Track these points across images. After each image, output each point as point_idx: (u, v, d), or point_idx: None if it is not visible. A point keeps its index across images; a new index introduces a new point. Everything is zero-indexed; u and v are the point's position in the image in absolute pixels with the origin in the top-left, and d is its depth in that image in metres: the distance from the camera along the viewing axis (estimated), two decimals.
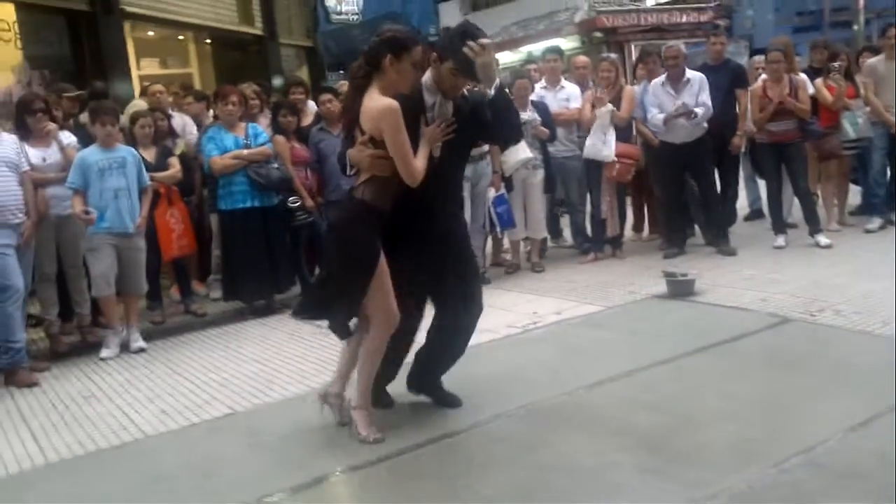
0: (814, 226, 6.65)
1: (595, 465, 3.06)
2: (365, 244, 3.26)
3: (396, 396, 3.87)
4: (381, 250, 3.29)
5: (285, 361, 4.86)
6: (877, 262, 5.75)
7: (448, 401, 3.78)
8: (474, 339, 3.82)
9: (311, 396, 3.87)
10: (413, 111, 3.28)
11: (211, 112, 6.94)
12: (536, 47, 18.09)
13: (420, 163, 3.22)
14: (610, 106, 6.62)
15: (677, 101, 6.55)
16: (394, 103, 3.13)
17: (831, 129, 6.99)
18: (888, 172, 7.07)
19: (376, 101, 3.17)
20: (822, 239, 6.51)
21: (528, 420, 3.58)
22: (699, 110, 6.49)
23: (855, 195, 7.68)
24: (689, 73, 6.70)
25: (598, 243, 7.06)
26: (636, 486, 2.86)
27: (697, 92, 6.58)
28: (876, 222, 6.93)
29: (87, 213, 5.10)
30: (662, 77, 6.76)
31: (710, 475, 2.85)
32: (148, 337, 5.62)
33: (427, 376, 3.83)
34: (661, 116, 6.58)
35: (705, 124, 6.63)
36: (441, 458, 3.32)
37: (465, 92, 3.55)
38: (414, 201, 3.32)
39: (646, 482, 2.87)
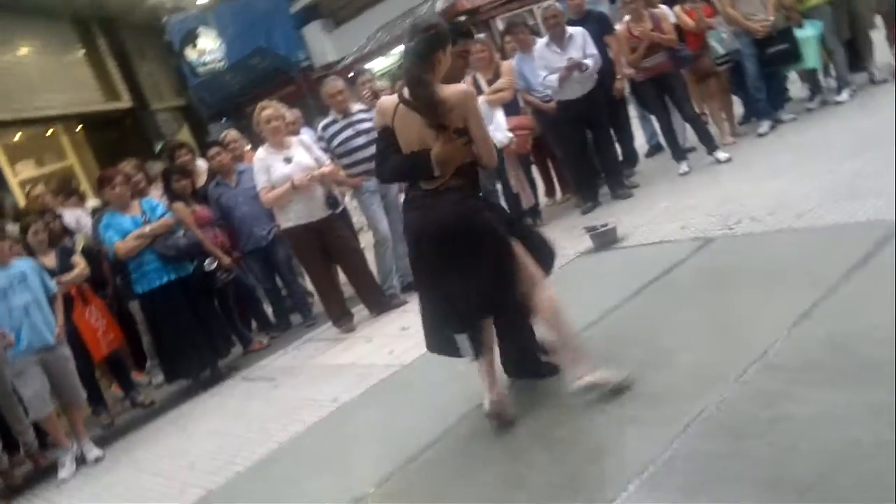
0: (710, 144, 6.87)
1: (572, 434, 3.10)
2: (495, 222, 3.27)
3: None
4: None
5: (247, 426, 4.75)
6: (776, 162, 5.99)
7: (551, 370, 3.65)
8: None
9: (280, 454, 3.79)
10: None
11: (89, 203, 6.78)
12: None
13: None
14: (481, 98, 6.71)
15: (565, 58, 6.65)
16: (470, 88, 3.18)
17: (701, 51, 7.25)
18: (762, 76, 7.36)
19: (453, 89, 3.15)
20: (721, 154, 6.73)
21: None
22: (589, 62, 6.62)
23: (740, 106, 7.96)
24: (570, 29, 6.80)
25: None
26: (618, 438, 2.91)
27: (582, 45, 6.69)
28: (765, 125, 7.19)
29: (3, 336, 4.88)
30: (545, 39, 6.86)
31: (681, 407, 2.91)
32: (102, 442, 5.44)
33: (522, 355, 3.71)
34: (555, 77, 6.67)
35: (595, 75, 6.76)
36: (428, 474, 3.29)
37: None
38: None
39: (625, 433, 2.92)
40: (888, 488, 2.09)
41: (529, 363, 3.72)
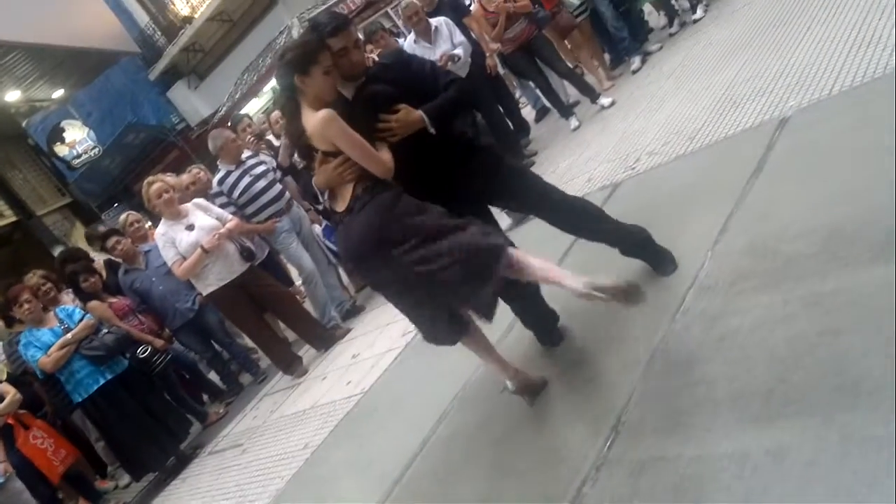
0: (591, 94, 7.03)
1: (543, 408, 3.13)
2: (418, 210, 2.93)
3: None
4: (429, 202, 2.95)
5: (227, 499, 4.65)
6: (656, 93, 6.16)
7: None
8: None
9: None
10: (348, 113, 3.02)
11: None
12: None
13: (385, 154, 3.00)
14: None
15: (437, 52, 6.67)
16: (327, 111, 2.93)
17: (557, 8, 7.39)
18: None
19: (312, 118, 2.98)
20: (604, 100, 6.88)
21: (464, 406, 3.61)
22: (459, 51, 6.64)
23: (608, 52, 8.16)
24: (434, 22, 6.79)
25: None
26: (583, 402, 2.94)
27: (449, 35, 6.71)
28: (636, 61, 7.40)
29: None
30: (412, 36, 6.85)
31: (632, 354, 2.97)
32: None
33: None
34: None
35: (469, 59, 6.80)
36: (418, 487, 3.29)
37: (375, 59, 3.36)
38: (432, 172, 3.10)
39: (588, 394, 2.96)
40: (840, 372, 2.18)
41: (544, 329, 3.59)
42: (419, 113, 3.10)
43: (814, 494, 1.94)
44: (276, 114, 6.81)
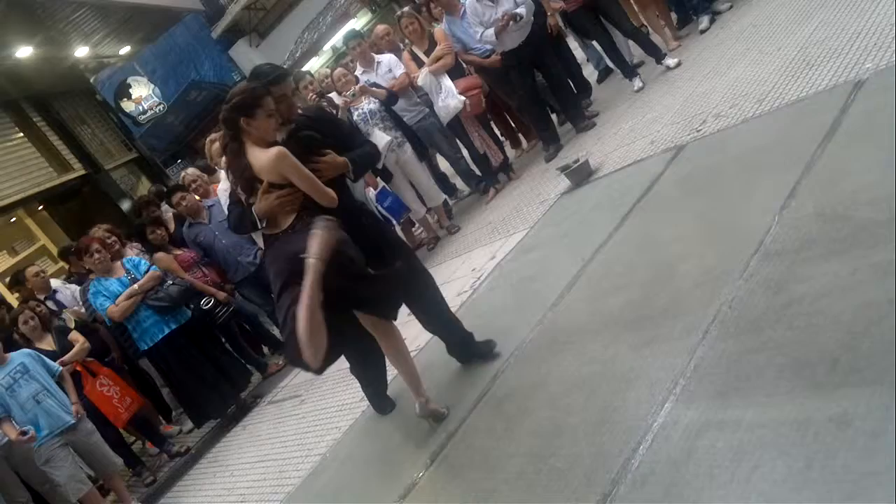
0: (657, 54, 6.85)
1: (599, 369, 3.13)
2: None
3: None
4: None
5: (286, 446, 4.79)
6: (724, 53, 5.97)
7: (489, 349, 3.89)
8: None
9: (324, 464, 3.82)
10: None
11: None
12: (337, 38, 18.01)
13: (328, 188, 3.29)
14: (424, 70, 6.69)
15: (499, 10, 6.58)
16: (281, 149, 3.22)
17: None
18: None
19: (264, 154, 3.24)
20: (670, 60, 6.70)
21: (520, 365, 3.64)
22: (521, 10, 6.52)
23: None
24: None
25: (490, 177, 7.14)
26: (641, 365, 2.94)
27: None
28: (705, 20, 7.17)
29: (24, 433, 4.87)
30: None
31: (694, 318, 2.94)
32: (151, 500, 5.50)
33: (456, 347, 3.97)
34: (491, 31, 6.58)
35: (531, 18, 6.68)
36: (472, 442, 3.34)
37: (300, 112, 3.64)
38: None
39: (646, 357, 2.95)
40: None
41: (469, 348, 3.92)
42: (344, 158, 3.45)
43: (877, 464, 1.90)
44: (338, 71, 6.82)
